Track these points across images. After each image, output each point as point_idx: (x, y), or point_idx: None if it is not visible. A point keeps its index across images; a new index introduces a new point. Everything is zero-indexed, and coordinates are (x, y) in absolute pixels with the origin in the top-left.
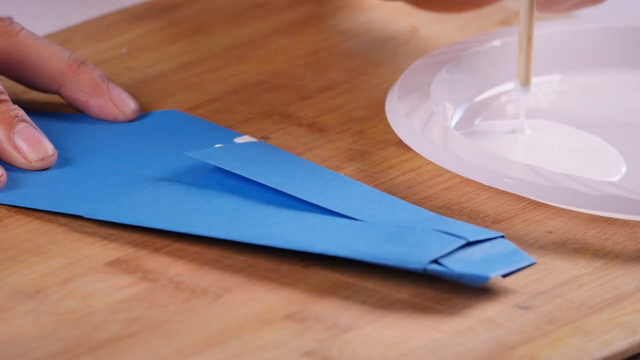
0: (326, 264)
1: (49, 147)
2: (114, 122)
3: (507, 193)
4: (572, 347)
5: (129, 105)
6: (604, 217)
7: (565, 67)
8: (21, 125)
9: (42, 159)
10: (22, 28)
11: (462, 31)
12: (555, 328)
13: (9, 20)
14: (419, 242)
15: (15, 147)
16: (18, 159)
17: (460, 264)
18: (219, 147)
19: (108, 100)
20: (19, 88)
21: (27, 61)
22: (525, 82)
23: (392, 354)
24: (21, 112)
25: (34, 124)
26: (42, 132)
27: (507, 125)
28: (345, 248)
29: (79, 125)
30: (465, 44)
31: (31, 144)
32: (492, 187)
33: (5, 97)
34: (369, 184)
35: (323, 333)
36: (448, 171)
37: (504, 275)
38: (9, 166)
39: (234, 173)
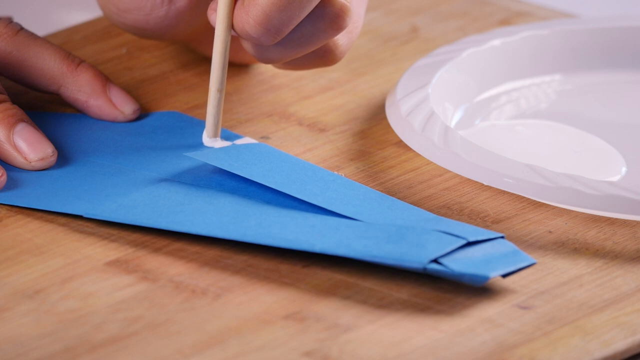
0: (326, 264)
1: (49, 147)
2: (114, 122)
3: (507, 193)
4: (572, 347)
5: (129, 106)
6: (604, 217)
7: (565, 67)
8: (21, 125)
9: (42, 159)
10: (22, 28)
11: (462, 31)
12: (555, 328)
13: (9, 20)
14: (419, 242)
15: (15, 147)
16: (18, 159)
17: (460, 264)
18: (219, 147)
19: (108, 100)
20: (19, 88)
21: (27, 61)
22: (214, 134)
23: (392, 354)
24: (21, 112)
25: (34, 124)
26: (42, 132)
27: (507, 125)
28: (345, 248)
29: (79, 125)
30: (465, 44)
31: (31, 144)
32: (492, 187)
33: (5, 97)
34: (369, 184)
35: (323, 333)
36: (448, 171)
37: (504, 275)
38: (9, 166)
39: (234, 174)
